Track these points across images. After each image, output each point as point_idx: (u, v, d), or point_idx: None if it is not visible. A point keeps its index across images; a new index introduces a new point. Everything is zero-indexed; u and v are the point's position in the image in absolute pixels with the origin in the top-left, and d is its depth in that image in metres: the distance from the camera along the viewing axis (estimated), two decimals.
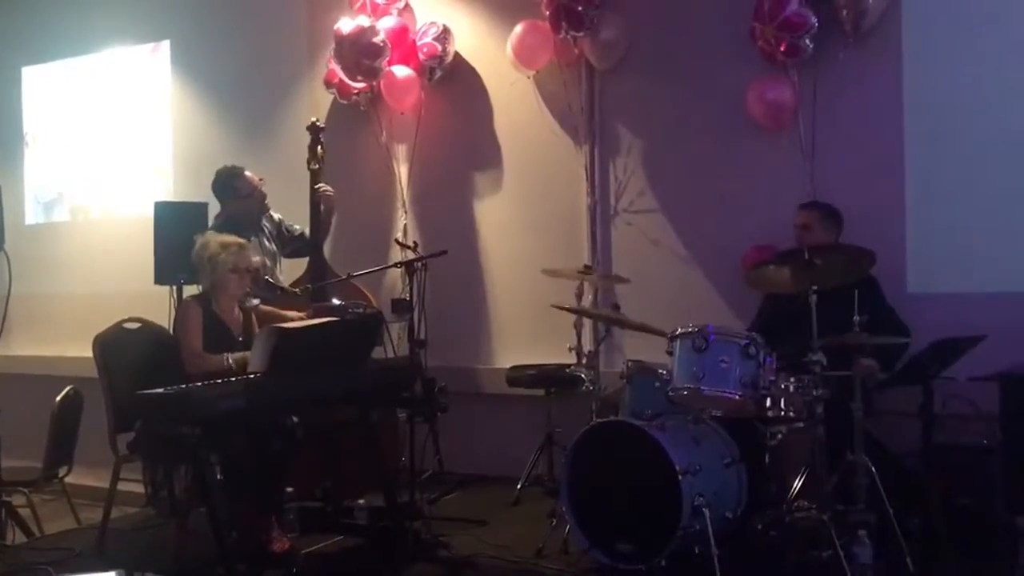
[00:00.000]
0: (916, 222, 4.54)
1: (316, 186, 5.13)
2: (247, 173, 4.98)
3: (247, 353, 3.96)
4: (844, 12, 4.46)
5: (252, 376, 3.65)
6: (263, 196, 5.02)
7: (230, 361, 4.03)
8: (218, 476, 3.45)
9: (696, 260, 5.07)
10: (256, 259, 4.35)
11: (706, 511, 3.55)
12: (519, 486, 4.86)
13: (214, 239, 4.27)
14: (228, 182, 4.95)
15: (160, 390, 3.46)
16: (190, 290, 4.98)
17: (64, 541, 4.41)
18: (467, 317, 5.62)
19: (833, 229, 4.37)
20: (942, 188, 4.50)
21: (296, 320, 4.24)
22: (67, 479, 4.94)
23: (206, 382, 3.63)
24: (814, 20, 4.50)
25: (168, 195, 6.53)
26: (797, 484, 4.00)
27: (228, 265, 4.18)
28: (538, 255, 5.32)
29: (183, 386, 3.55)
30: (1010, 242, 4.38)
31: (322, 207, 5.16)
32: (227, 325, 4.22)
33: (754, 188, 4.86)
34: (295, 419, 3.84)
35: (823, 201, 4.50)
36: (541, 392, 4.95)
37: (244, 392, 3.51)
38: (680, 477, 3.56)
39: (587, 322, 4.81)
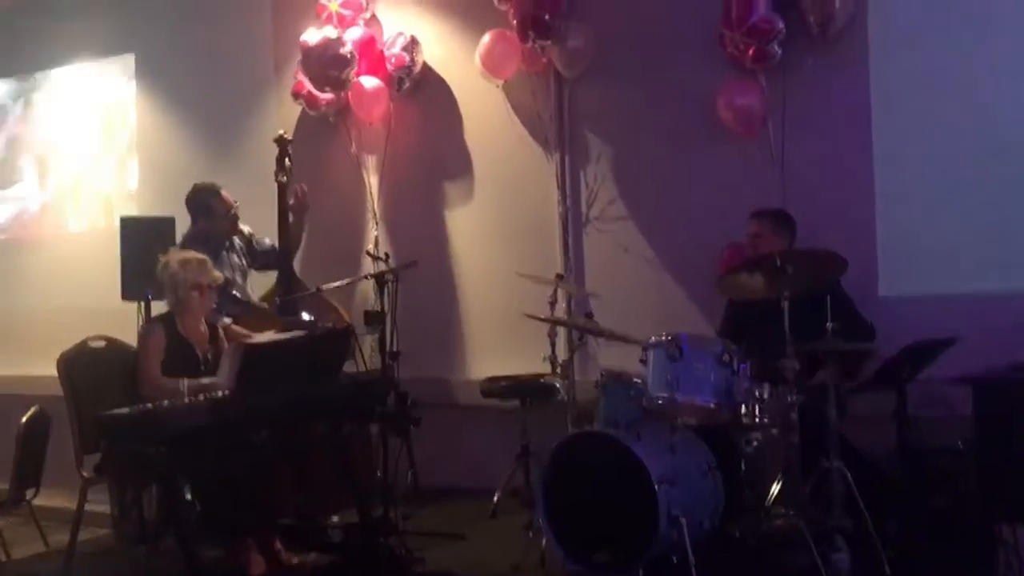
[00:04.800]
0: (886, 225, 4.55)
1: (296, 186, 5.06)
2: (223, 193, 4.90)
3: (204, 380, 3.89)
4: (811, 17, 4.47)
5: (220, 393, 3.59)
6: (236, 218, 4.95)
7: (184, 387, 3.89)
8: (186, 496, 3.39)
9: (668, 267, 5.06)
10: (217, 273, 4.27)
11: (683, 520, 3.51)
12: (495, 498, 4.81)
13: (175, 257, 4.20)
14: (203, 200, 4.87)
15: (126, 410, 3.40)
16: (158, 306, 4.91)
17: (31, 566, 4.32)
18: (440, 328, 5.58)
19: (785, 235, 4.32)
20: (911, 191, 4.52)
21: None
22: (35, 501, 4.83)
23: (173, 401, 3.57)
24: (782, 25, 4.51)
25: (134, 210, 6.44)
26: (773, 491, 4.00)
27: (189, 283, 4.11)
28: (510, 264, 5.27)
29: (149, 405, 3.48)
30: (979, 244, 4.40)
31: (291, 217, 5.11)
32: (192, 346, 4.14)
33: (724, 194, 4.85)
34: (264, 434, 3.81)
35: (777, 208, 4.48)
36: (516, 403, 4.91)
37: (212, 410, 3.45)
38: (656, 486, 3.52)
39: (561, 331, 4.78)
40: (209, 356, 4.16)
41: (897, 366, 3.73)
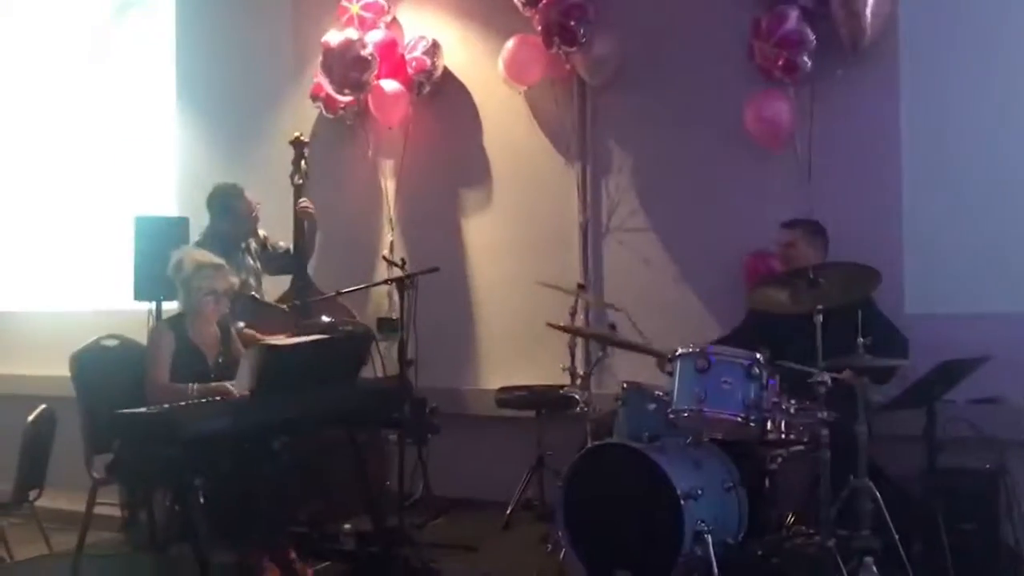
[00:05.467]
0: (914, 241, 4.48)
1: (299, 199, 5.03)
2: (247, 195, 4.83)
3: (212, 385, 3.81)
4: (842, 30, 4.41)
5: (238, 395, 3.53)
6: (256, 221, 4.89)
7: (194, 391, 3.80)
8: (200, 500, 3.31)
9: (689, 279, 4.98)
10: (234, 279, 4.17)
11: (708, 537, 3.44)
12: (509, 510, 4.73)
13: (189, 258, 4.07)
14: (227, 201, 4.80)
15: (142, 410, 3.32)
16: (169, 306, 4.84)
17: (37, 568, 4.23)
18: (455, 336, 5.50)
19: (819, 246, 4.29)
20: (940, 207, 4.45)
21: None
22: (37, 502, 4.74)
23: (190, 402, 3.50)
24: (812, 37, 4.44)
25: (148, 208, 6.36)
26: (796, 509, 3.93)
27: (204, 289, 4.00)
28: (528, 273, 5.21)
29: (166, 406, 3.41)
30: (1008, 262, 4.33)
31: (306, 224, 5.06)
32: (201, 351, 4.04)
33: (749, 207, 4.78)
34: (282, 439, 3.73)
35: (811, 219, 4.42)
36: (531, 414, 4.85)
37: (230, 413, 3.38)
38: (682, 502, 3.45)
39: (580, 342, 4.71)
40: (220, 360, 4.07)
41: (929, 384, 3.66)
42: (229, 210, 4.78)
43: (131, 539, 4.44)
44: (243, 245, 4.90)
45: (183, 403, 3.51)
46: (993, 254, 4.36)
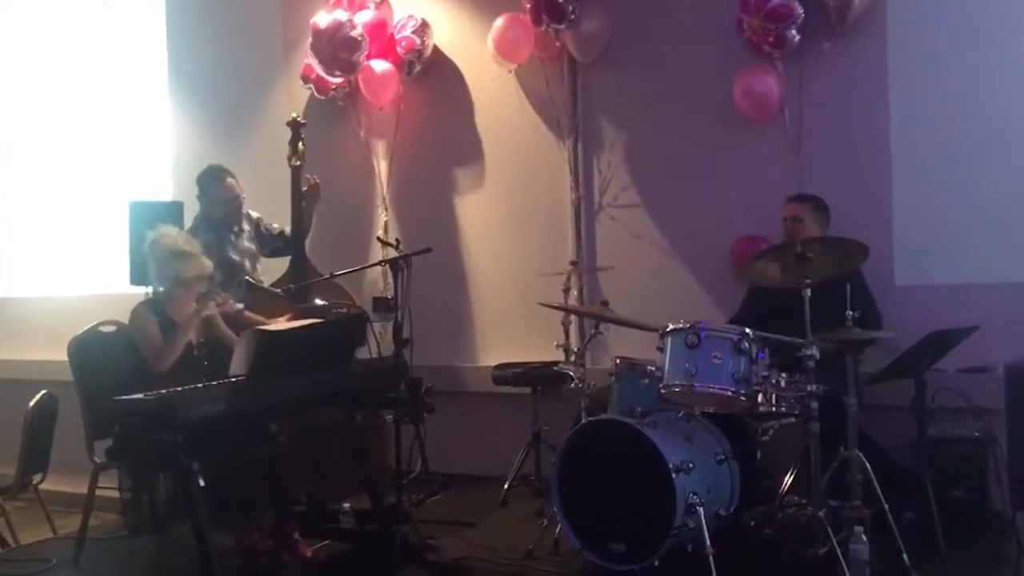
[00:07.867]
0: (903, 213, 4.51)
1: (307, 175, 5.03)
2: (228, 181, 4.78)
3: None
4: (830, 3, 4.41)
5: (235, 379, 3.56)
6: (239, 206, 4.85)
7: (190, 334, 3.78)
8: (200, 484, 3.35)
9: (681, 255, 5.01)
10: (207, 262, 4.10)
11: (700, 509, 3.50)
12: (506, 486, 4.79)
13: (162, 243, 4.01)
14: (204, 184, 4.79)
15: (140, 396, 3.35)
16: None
17: (41, 551, 4.29)
18: (450, 315, 5.54)
19: (824, 221, 4.34)
20: (930, 178, 4.47)
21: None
22: (41, 485, 4.80)
23: (187, 387, 3.53)
24: (800, 10, 4.44)
25: (145, 193, 6.38)
26: (788, 480, 3.99)
27: (172, 279, 3.98)
28: (522, 251, 5.27)
29: (163, 391, 3.45)
30: (997, 233, 4.36)
31: (304, 202, 5.07)
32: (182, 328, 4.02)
33: (740, 181, 4.81)
34: (279, 422, 3.78)
35: (810, 193, 4.46)
36: (527, 390, 4.89)
37: (227, 396, 3.42)
38: (674, 475, 3.51)
39: (574, 318, 4.74)
40: (202, 339, 4.06)
41: (917, 355, 3.70)
42: (204, 192, 4.78)
43: (129, 522, 4.48)
44: (236, 228, 4.90)
45: (183, 388, 3.53)
46: (982, 225, 4.39)
